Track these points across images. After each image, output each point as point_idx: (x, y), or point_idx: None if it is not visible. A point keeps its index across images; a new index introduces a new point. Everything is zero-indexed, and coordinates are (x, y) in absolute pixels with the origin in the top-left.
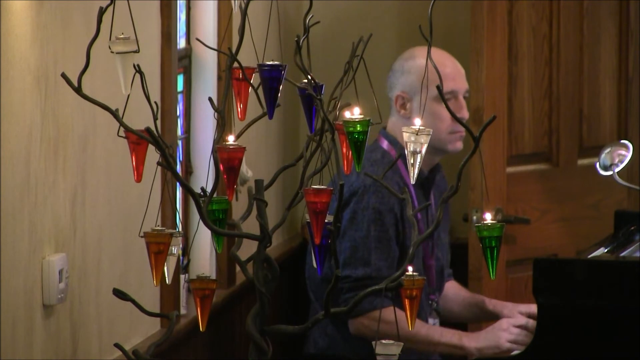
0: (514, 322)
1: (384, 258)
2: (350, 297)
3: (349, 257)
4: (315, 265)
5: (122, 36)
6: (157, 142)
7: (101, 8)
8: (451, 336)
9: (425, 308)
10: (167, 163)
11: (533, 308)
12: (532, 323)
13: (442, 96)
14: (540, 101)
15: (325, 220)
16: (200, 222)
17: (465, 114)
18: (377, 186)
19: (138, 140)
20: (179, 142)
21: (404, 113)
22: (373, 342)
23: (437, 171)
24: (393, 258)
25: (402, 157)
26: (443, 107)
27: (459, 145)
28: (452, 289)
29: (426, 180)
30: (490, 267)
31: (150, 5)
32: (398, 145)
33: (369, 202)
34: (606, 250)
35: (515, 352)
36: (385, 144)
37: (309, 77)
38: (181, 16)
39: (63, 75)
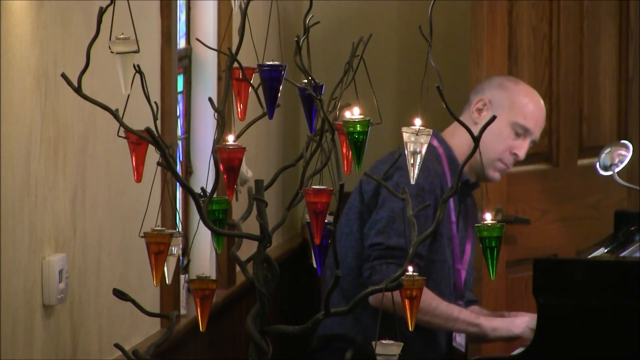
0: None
1: (418, 234)
2: (377, 264)
3: (385, 227)
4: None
5: (122, 36)
6: (157, 142)
7: (101, 8)
8: (469, 314)
9: None
10: (167, 163)
11: None
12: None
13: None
14: None
15: (325, 220)
16: (200, 222)
17: (521, 154)
18: (425, 165)
19: (138, 140)
20: (179, 142)
21: (475, 117)
22: (373, 343)
23: (473, 188)
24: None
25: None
26: (512, 133)
27: (497, 176)
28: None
29: (464, 185)
30: (490, 267)
31: (150, 5)
32: (444, 145)
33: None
34: (606, 250)
35: (515, 352)
36: (434, 142)
37: (309, 77)
38: (181, 16)
39: (63, 75)
